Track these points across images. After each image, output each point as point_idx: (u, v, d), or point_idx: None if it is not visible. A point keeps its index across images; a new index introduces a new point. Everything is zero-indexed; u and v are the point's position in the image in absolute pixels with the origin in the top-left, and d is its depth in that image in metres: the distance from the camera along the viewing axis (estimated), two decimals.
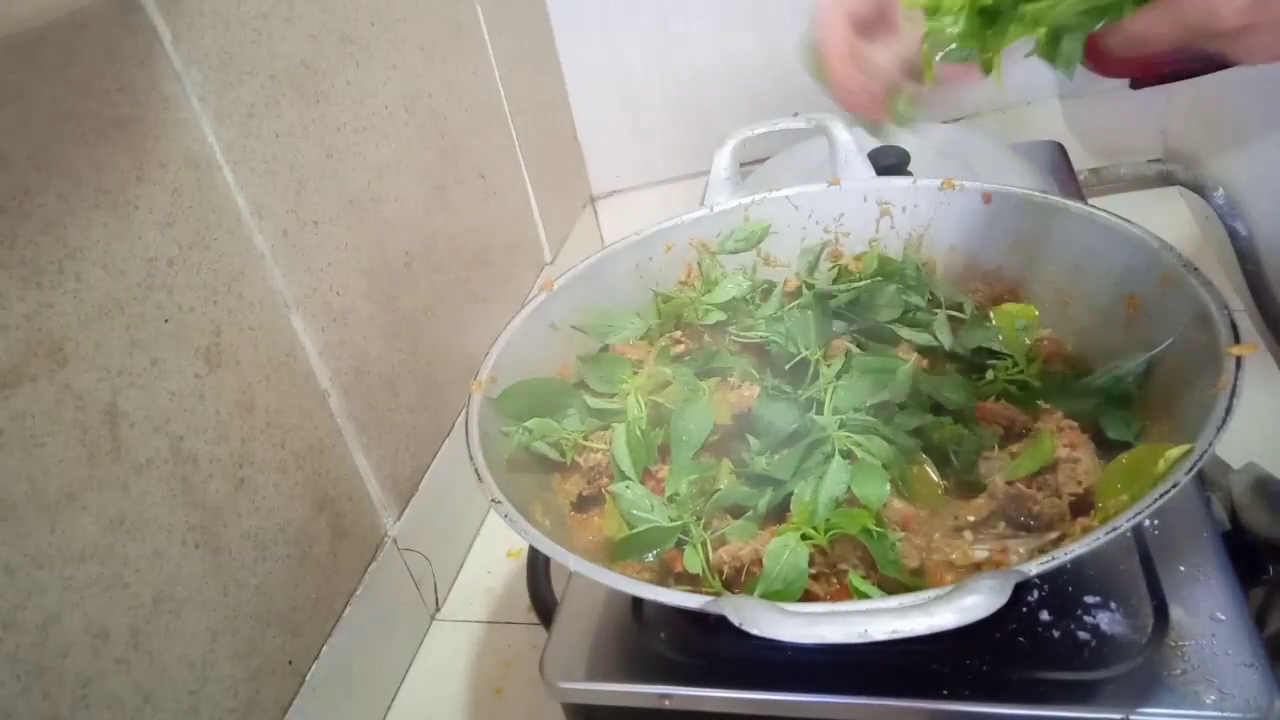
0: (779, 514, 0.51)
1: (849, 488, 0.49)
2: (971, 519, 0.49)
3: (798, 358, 0.59)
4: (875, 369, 0.56)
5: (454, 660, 0.77)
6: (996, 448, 0.52)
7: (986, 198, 0.65)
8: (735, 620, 0.38)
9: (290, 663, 0.64)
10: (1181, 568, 0.48)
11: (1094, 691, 0.44)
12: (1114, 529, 0.39)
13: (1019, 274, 0.64)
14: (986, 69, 0.46)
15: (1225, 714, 0.41)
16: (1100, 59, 0.44)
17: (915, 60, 0.48)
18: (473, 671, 0.76)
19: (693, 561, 0.49)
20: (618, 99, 1.20)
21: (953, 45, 0.46)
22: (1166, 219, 1.03)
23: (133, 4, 0.54)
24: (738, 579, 0.48)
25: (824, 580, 0.47)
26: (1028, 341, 0.60)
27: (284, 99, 0.66)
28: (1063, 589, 0.48)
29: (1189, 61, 0.43)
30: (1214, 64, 0.46)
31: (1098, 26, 0.42)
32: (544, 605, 0.63)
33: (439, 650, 0.79)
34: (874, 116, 0.55)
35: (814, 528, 0.47)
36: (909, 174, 0.78)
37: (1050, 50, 0.43)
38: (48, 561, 0.46)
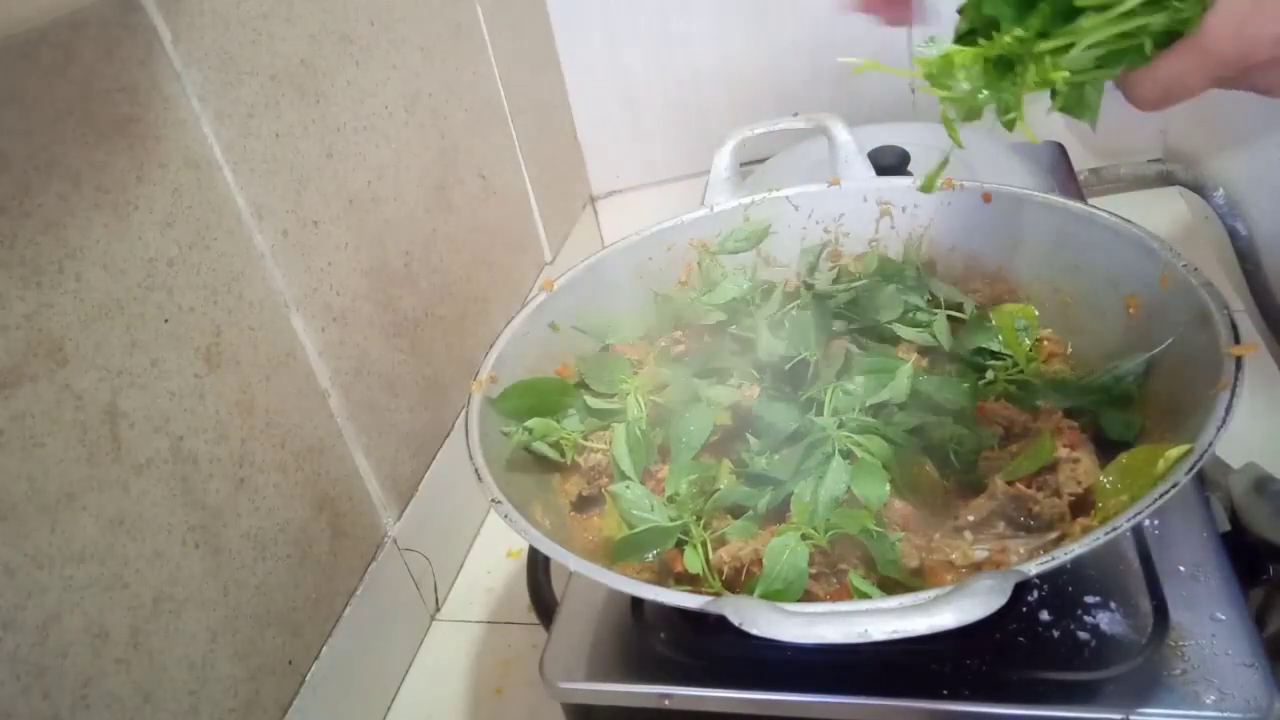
0: (779, 514, 0.51)
1: (849, 488, 0.49)
2: (971, 519, 0.49)
3: (798, 358, 0.59)
4: (875, 369, 0.56)
5: (454, 660, 0.77)
6: (996, 448, 0.52)
7: (987, 198, 0.65)
8: (735, 620, 0.38)
9: (290, 663, 0.64)
10: (1181, 568, 0.48)
11: (1094, 691, 0.44)
12: (1114, 529, 0.39)
13: (1019, 274, 0.64)
14: (1009, 127, 0.43)
15: (1225, 714, 0.41)
16: None
17: None
18: (473, 671, 0.76)
19: (693, 561, 0.49)
20: (618, 99, 1.20)
21: (973, 102, 0.43)
22: (1166, 219, 1.03)
23: (133, 4, 0.54)
24: (738, 579, 0.48)
25: (824, 580, 0.47)
26: (1027, 342, 0.60)
27: (284, 99, 0.66)
28: (1063, 589, 0.48)
29: None
30: None
31: (1116, 73, 0.41)
32: (544, 605, 0.63)
33: (439, 650, 0.79)
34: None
35: (814, 528, 0.47)
36: (909, 174, 0.78)
37: (1071, 103, 0.42)
38: (48, 561, 0.46)
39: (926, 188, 0.50)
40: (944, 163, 0.48)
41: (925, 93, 0.43)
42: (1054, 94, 0.42)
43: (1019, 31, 0.40)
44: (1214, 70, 0.38)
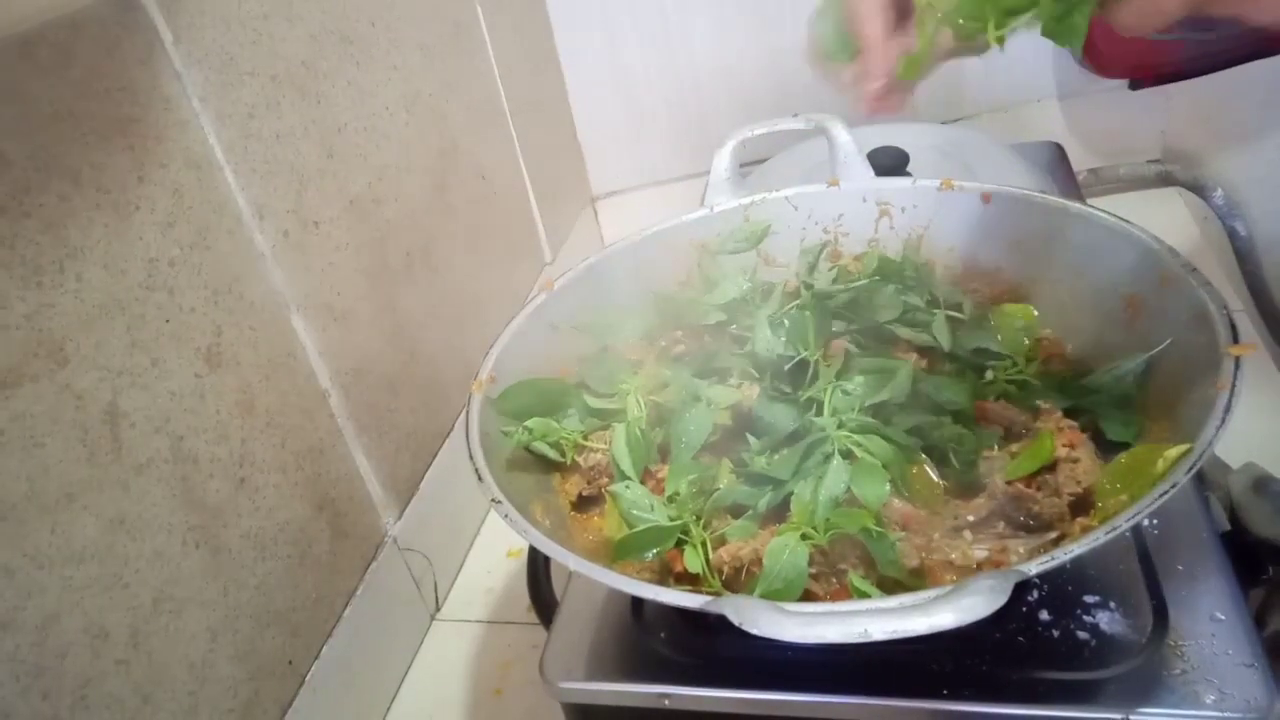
0: (779, 514, 0.51)
1: (849, 487, 0.49)
2: (971, 519, 0.49)
3: (798, 358, 0.59)
4: (875, 369, 0.56)
5: (454, 660, 0.77)
6: (996, 448, 0.52)
7: (986, 198, 0.65)
8: (735, 620, 0.38)
9: (290, 663, 0.64)
10: (1181, 568, 0.48)
11: (1094, 691, 0.44)
12: (1113, 529, 0.39)
13: (1018, 274, 0.64)
14: (999, 43, 0.44)
15: (1225, 714, 0.42)
16: (1100, 58, 0.43)
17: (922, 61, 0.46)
18: (472, 672, 0.76)
19: (693, 561, 0.49)
20: (618, 99, 1.20)
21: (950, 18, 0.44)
22: (1166, 219, 1.03)
23: (132, 3, 0.54)
24: (738, 579, 0.48)
25: (824, 580, 0.47)
26: (1027, 342, 0.60)
27: (285, 99, 0.66)
28: (1062, 589, 0.48)
29: (1193, 60, 0.42)
30: (1216, 63, 0.45)
31: None
32: (544, 605, 0.63)
33: (439, 650, 0.79)
34: (882, 107, 0.51)
35: (814, 527, 0.47)
36: (908, 174, 0.78)
37: (1055, 26, 0.42)
38: (47, 562, 0.46)
39: (908, 74, 0.50)
40: (917, 60, 0.48)
41: None
42: (1041, 22, 0.42)
43: None
44: None
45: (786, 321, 0.61)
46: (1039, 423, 0.53)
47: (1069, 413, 0.53)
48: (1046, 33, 0.43)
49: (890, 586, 0.46)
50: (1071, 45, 0.42)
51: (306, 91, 0.68)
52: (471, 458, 0.52)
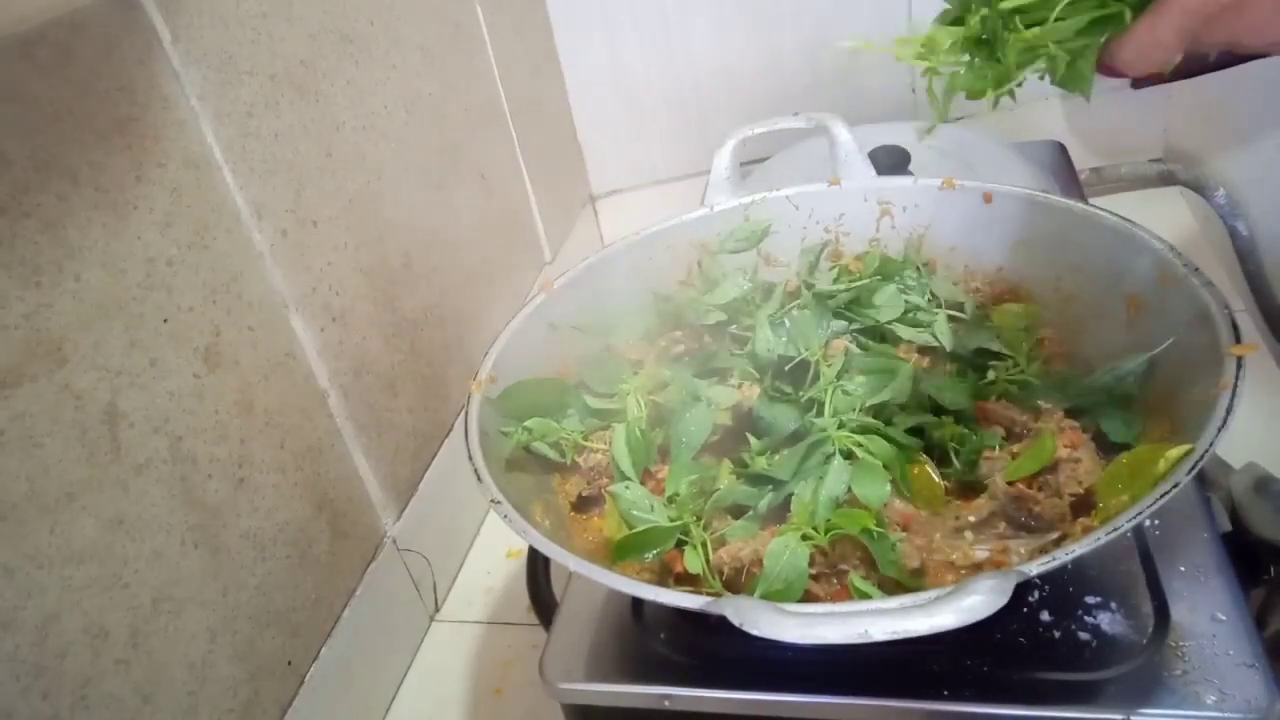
0: (779, 514, 0.51)
1: (849, 488, 0.49)
2: (972, 519, 0.48)
3: (798, 358, 0.58)
4: (876, 369, 0.56)
5: (453, 661, 0.77)
6: (997, 448, 0.52)
7: (987, 197, 0.64)
8: (735, 621, 0.38)
9: (289, 663, 0.64)
10: (1182, 568, 0.48)
11: (1095, 692, 0.44)
12: (1115, 529, 0.39)
13: (1020, 274, 0.64)
14: (1010, 96, 0.45)
15: (1226, 714, 0.42)
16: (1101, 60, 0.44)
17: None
18: (472, 672, 0.76)
19: (693, 562, 0.49)
20: (618, 99, 1.20)
21: (960, 84, 0.45)
22: (1167, 219, 1.02)
23: (131, 3, 0.54)
24: (738, 579, 0.48)
25: (824, 580, 0.47)
26: (1028, 342, 0.59)
27: (283, 98, 0.66)
28: (1063, 589, 0.48)
29: (1196, 62, 0.43)
30: (1216, 63, 0.45)
31: (1101, 40, 0.42)
32: (544, 606, 0.63)
33: (438, 651, 0.79)
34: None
35: (814, 528, 0.47)
36: (909, 173, 0.78)
37: (1065, 75, 0.43)
38: (47, 562, 0.46)
39: (939, 117, 0.51)
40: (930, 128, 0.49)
41: (912, 63, 0.44)
42: (1051, 72, 0.43)
43: (985, 12, 0.41)
44: (1183, 22, 0.39)
45: (787, 321, 0.61)
46: (1040, 423, 0.53)
47: (1070, 413, 0.53)
48: (1057, 82, 0.44)
49: (891, 587, 0.46)
50: (1082, 91, 0.43)
51: (305, 90, 0.68)
52: (471, 458, 0.52)
